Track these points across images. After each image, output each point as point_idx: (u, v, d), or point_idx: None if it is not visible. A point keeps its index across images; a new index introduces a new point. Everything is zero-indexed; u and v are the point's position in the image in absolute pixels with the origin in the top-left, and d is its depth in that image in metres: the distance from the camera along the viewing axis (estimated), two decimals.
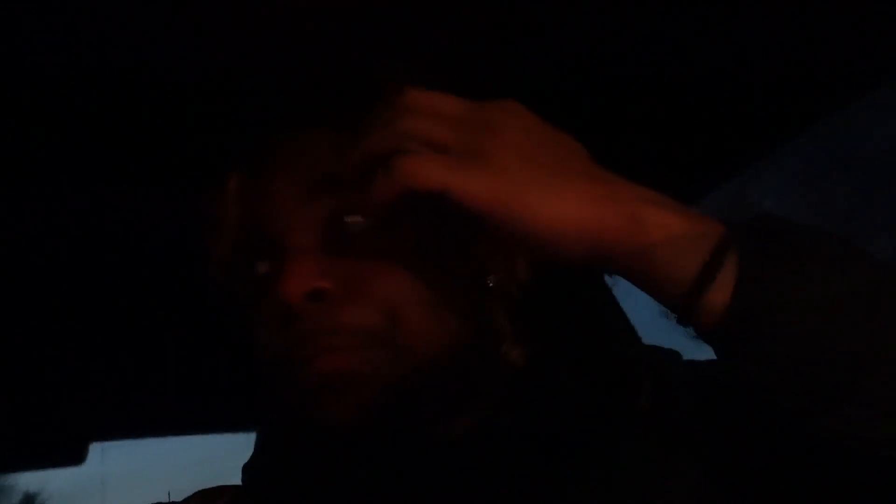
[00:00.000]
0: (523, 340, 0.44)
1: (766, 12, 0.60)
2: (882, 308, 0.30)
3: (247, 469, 0.48)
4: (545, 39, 0.61)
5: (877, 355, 0.29)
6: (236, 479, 0.49)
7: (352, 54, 0.56)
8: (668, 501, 0.40)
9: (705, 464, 0.40)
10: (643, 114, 0.72)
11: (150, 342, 1.06)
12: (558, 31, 0.59)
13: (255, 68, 0.56)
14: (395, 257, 0.41)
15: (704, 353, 0.39)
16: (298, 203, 0.42)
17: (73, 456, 1.15)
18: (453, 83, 0.46)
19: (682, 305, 0.32)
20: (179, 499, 0.48)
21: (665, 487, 0.40)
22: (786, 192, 2.84)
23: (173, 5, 0.49)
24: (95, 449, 1.16)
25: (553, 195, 0.33)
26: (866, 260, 0.33)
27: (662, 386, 0.42)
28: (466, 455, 0.41)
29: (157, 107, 0.59)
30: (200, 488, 0.49)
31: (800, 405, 0.30)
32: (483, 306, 0.44)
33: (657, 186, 0.34)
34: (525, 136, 0.35)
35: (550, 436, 0.41)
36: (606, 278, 0.48)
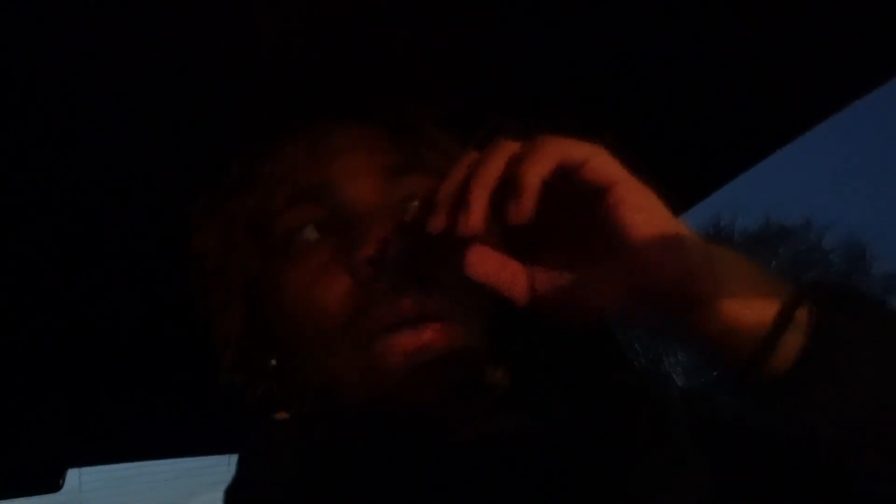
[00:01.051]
0: (504, 361, 0.48)
1: (761, 20, 0.61)
2: None
3: (229, 492, 0.48)
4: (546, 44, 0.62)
5: None
6: (212, 495, 0.50)
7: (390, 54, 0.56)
8: None
9: (706, 490, 0.40)
10: (638, 119, 0.73)
11: (126, 367, 1.06)
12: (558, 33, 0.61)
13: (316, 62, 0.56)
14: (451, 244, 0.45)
15: None
16: (380, 181, 0.47)
17: (50, 483, 1.14)
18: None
19: (752, 353, 0.33)
20: None
21: None
22: None
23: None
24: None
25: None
26: None
27: (661, 414, 0.44)
28: (472, 463, 0.43)
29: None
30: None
31: (849, 456, 0.32)
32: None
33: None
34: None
35: (547, 466, 0.42)
36: None
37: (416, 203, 0.46)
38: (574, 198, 0.34)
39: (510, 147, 0.35)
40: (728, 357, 0.33)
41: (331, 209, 0.46)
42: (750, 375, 0.33)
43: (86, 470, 1.20)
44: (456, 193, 0.35)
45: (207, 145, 0.57)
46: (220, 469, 1.18)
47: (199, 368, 1.11)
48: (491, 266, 0.36)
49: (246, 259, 0.49)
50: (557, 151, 0.33)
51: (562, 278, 0.36)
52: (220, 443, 1.20)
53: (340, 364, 0.43)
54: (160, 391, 1.12)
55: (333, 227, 0.46)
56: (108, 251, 0.82)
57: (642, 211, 0.33)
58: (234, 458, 0.51)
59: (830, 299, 0.33)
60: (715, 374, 0.36)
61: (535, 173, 0.33)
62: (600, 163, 0.33)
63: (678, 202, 0.39)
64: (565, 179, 0.33)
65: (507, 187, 0.33)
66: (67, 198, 0.71)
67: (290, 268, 0.46)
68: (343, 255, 0.44)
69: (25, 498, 1.14)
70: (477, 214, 0.34)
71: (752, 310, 0.33)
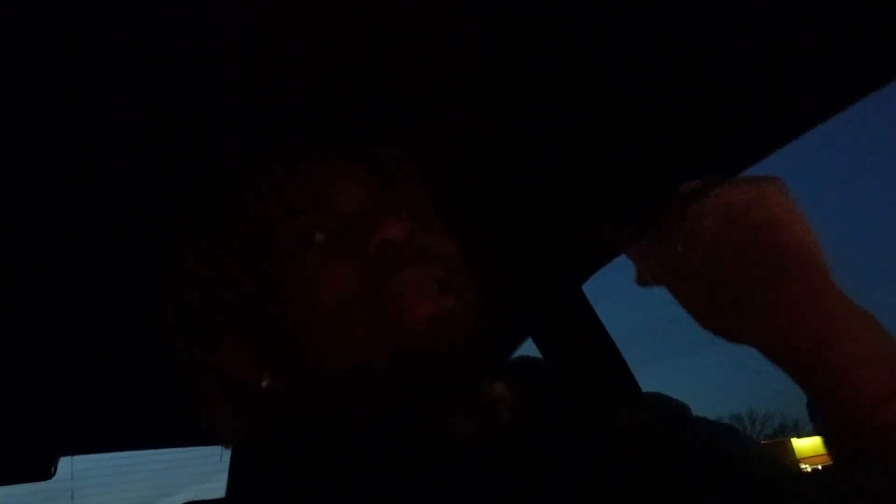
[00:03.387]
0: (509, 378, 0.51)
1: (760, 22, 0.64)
2: None
3: (237, 479, 0.50)
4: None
5: None
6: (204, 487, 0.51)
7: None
8: None
9: None
10: (633, 122, 0.76)
11: (120, 355, 1.06)
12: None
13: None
14: (443, 237, 0.52)
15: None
16: (369, 192, 0.53)
17: (42, 471, 1.15)
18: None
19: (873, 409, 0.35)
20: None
21: None
22: None
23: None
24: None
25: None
26: None
27: (672, 446, 0.47)
28: (466, 460, 0.45)
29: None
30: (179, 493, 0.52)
31: None
32: None
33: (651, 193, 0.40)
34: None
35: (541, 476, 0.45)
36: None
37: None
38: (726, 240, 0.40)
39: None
40: (837, 407, 0.36)
41: (329, 216, 0.51)
42: (856, 426, 0.36)
43: (78, 458, 1.21)
44: None
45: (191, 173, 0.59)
46: (213, 459, 1.19)
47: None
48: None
49: (239, 276, 0.51)
50: (738, 198, 0.40)
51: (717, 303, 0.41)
52: (213, 433, 1.20)
53: (365, 333, 0.46)
54: (154, 380, 1.12)
55: (334, 229, 0.50)
56: (103, 240, 0.82)
57: (801, 257, 0.38)
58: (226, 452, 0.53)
59: None
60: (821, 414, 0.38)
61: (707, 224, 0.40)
62: (768, 204, 0.39)
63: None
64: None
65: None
66: (62, 187, 0.70)
67: (299, 265, 0.49)
68: (353, 245, 0.48)
69: (17, 485, 1.14)
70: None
71: (870, 370, 0.36)
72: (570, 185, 0.89)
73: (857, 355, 0.36)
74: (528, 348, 1.20)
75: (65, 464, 1.17)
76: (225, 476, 0.52)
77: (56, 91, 0.55)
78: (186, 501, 0.51)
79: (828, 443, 0.38)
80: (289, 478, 0.46)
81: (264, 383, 0.50)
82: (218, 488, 0.53)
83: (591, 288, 1.11)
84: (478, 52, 0.64)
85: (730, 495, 0.44)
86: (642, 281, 0.45)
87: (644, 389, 1.12)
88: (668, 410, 0.52)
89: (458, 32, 0.61)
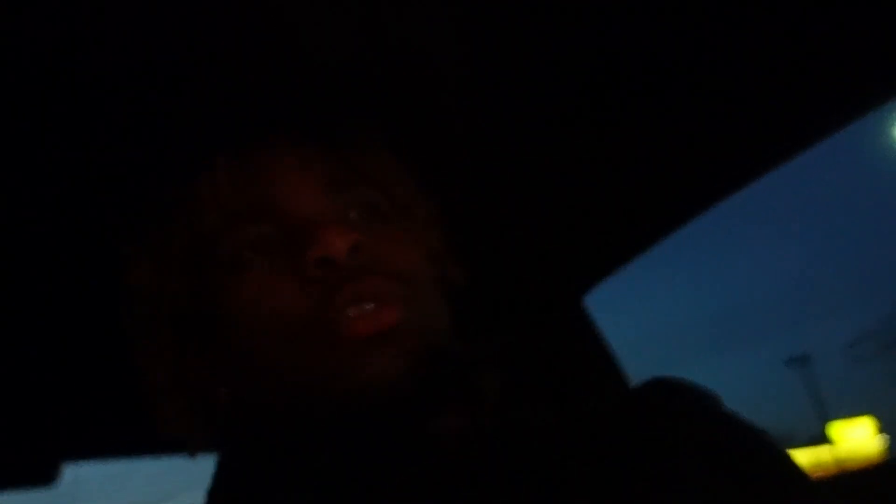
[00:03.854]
0: (494, 368, 0.49)
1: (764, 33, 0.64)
2: None
3: (212, 493, 0.49)
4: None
5: None
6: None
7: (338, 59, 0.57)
8: None
9: None
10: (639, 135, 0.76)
11: (122, 362, 1.07)
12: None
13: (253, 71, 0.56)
14: (396, 244, 0.49)
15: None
16: (319, 194, 0.49)
17: (45, 477, 1.15)
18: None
19: None
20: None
21: None
22: None
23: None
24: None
25: None
26: None
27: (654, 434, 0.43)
28: (456, 456, 0.44)
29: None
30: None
31: None
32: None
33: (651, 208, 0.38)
34: None
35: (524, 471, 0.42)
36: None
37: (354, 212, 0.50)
38: None
39: None
40: None
41: (273, 224, 0.48)
42: None
43: (81, 465, 1.21)
44: None
45: (131, 175, 0.58)
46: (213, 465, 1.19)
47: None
48: None
49: (179, 290, 0.50)
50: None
51: None
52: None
53: (308, 357, 0.44)
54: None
55: (276, 241, 0.47)
56: (102, 245, 0.82)
57: None
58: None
59: None
60: None
61: None
62: None
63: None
64: None
65: None
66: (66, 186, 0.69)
67: (237, 285, 0.47)
68: (291, 262, 0.45)
69: (20, 492, 1.14)
70: None
71: None
72: (574, 196, 0.90)
73: None
74: None
75: (68, 471, 1.17)
76: None
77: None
78: None
79: None
80: (257, 488, 0.45)
81: (220, 397, 0.49)
82: None
83: (591, 300, 1.11)
84: (481, 47, 0.62)
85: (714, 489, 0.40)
86: None
87: None
88: (676, 397, 0.46)
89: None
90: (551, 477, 0.41)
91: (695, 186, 0.87)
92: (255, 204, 0.48)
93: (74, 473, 1.18)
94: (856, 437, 20.77)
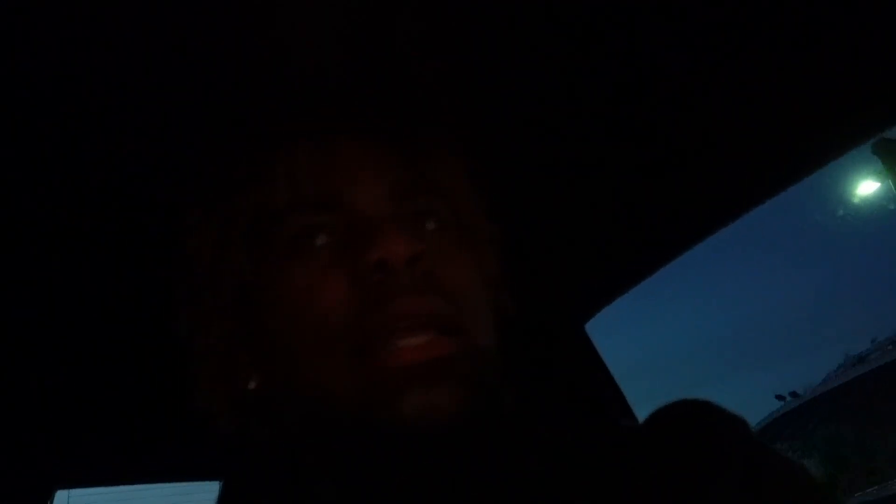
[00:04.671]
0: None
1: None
2: None
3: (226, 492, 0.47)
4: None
5: None
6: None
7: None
8: None
9: None
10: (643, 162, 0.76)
11: (116, 388, 1.06)
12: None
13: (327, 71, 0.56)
14: (457, 262, 0.46)
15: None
16: (388, 196, 0.47)
17: (38, 502, 1.14)
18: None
19: None
20: None
21: None
22: None
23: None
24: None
25: None
26: None
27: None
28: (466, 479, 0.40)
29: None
30: None
31: None
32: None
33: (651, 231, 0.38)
34: None
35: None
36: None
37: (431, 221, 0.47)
38: None
39: None
40: None
41: (337, 217, 0.46)
42: None
43: (74, 491, 1.19)
44: None
45: (206, 143, 0.57)
46: (209, 490, 1.17)
47: (189, 393, 1.12)
48: None
49: (241, 262, 0.48)
50: None
51: None
52: (209, 468, 1.19)
53: (336, 368, 0.41)
54: (150, 414, 1.11)
55: (339, 234, 0.45)
56: (102, 270, 0.82)
57: None
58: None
59: None
60: None
61: None
62: None
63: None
64: None
65: None
66: (60, 217, 0.70)
67: (292, 270, 0.45)
68: (349, 259, 0.43)
69: None
70: None
71: None
72: (575, 227, 0.90)
73: None
74: None
75: (61, 496, 1.16)
76: None
77: (69, 64, 0.53)
78: None
79: None
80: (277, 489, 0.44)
81: (251, 386, 0.47)
82: None
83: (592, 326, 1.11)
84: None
85: None
86: None
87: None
88: (695, 420, 0.44)
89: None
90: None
91: (698, 210, 0.87)
92: (325, 193, 0.46)
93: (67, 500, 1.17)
94: None
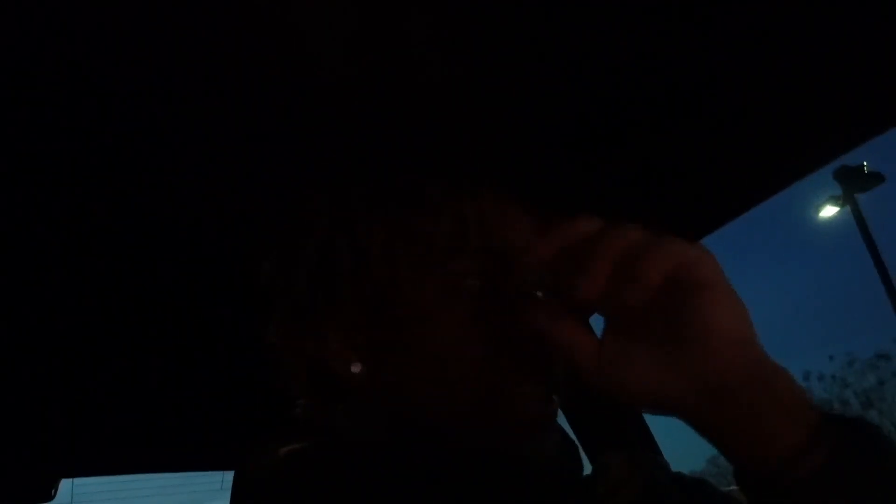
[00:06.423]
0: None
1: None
2: None
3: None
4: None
5: None
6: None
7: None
8: None
9: None
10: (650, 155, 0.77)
11: (122, 380, 1.08)
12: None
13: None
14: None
15: None
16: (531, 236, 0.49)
17: (42, 493, 1.14)
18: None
19: (780, 462, 0.35)
20: None
21: None
22: None
23: None
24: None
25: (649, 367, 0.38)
26: None
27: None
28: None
29: None
30: None
31: None
32: None
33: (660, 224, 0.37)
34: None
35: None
36: None
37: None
38: (666, 288, 0.37)
39: (633, 232, 0.38)
40: (756, 460, 0.36)
41: (491, 265, 0.49)
42: (774, 480, 0.35)
43: (78, 481, 1.21)
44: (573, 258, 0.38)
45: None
46: (213, 481, 1.19)
47: (195, 384, 1.13)
48: (566, 328, 0.40)
49: (392, 270, 0.49)
50: (679, 252, 0.37)
51: (631, 357, 0.38)
52: (214, 459, 1.21)
53: (458, 394, 0.46)
54: (155, 405, 1.14)
55: (489, 281, 0.48)
56: (116, 258, 0.84)
57: (728, 316, 0.36)
58: (227, 474, 0.52)
59: (850, 428, 0.36)
60: (736, 470, 0.39)
61: (658, 269, 0.36)
62: (706, 264, 0.37)
63: None
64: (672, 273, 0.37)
65: (624, 270, 0.37)
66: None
67: (442, 311, 0.47)
68: (496, 310, 0.46)
69: None
70: (595, 283, 0.37)
71: (790, 424, 0.36)
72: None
73: (777, 409, 0.36)
74: None
75: (65, 485, 1.17)
76: (226, 497, 0.50)
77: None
78: None
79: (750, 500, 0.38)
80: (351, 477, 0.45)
81: (354, 369, 0.48)
82: None
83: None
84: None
85: None
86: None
87: None
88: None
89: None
90: None
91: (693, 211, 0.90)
92: (483, 247, 0.49)
93: (72, 491, 1.18)
94: None
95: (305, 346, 0.49)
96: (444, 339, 0.46)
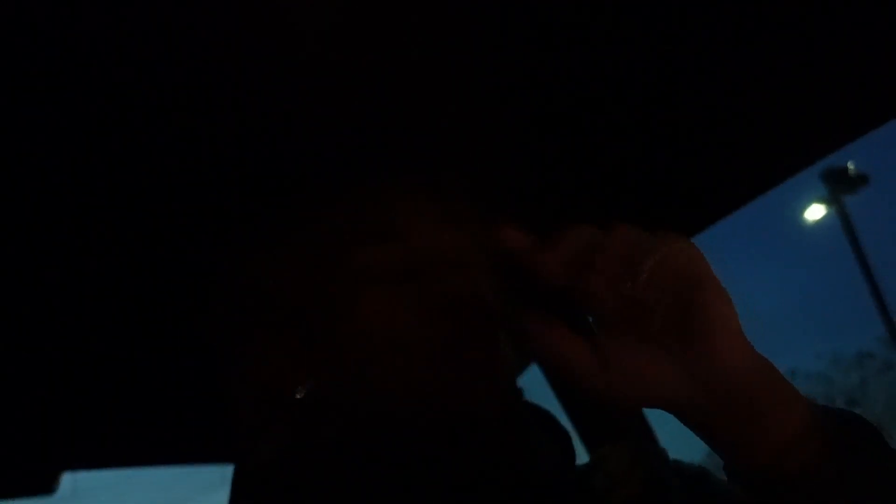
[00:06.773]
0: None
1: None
2: None
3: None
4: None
5: None
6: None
7: None
8: None
9: None
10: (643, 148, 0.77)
11: (124, 372, 1.07)
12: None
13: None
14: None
15: None
16: (439, 236, 0.51)
17: (44, 486, 1.15)
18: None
19: (774, 459, 0.35)
20: None
21: None
22: None
23: None
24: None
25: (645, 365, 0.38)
26: None
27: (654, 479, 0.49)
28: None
29: None
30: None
31: None
32: None
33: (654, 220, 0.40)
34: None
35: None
36: None
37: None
38: (663, 287, 0.37)
39: (633, 230, 0.39)
40: (751, 453, 0.37)
41: (408, 251, 0.49)
42: (769, 476, 0.36)
43: (80, 474, 1.21)
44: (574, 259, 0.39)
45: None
46: (216, 473, 1.20)
47: (196, 376, 1.14)
48: (557, 336, 0.41)
49: (301, 293, 0.50)
50: (679, 247, 0.38)
51: (631, 356, 0.39)
52: (217, 452, 1.22)
53: (408, 380, 0.46)
54: (158, 397, 1.13)
55: (409, 268, 0.49)
56: (110, 252, 0.83)
57: (727, 309, 0.37)
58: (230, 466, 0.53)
59: (840, 419, 0.37)
60: (727, 464, 0.39)
61: (665, 265, 0.37)
62: (700, 262, 0.38)
63: None
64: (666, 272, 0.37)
65: (624, 268, 0.37)
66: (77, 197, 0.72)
67: (362, 301, 0.47)
68: (416, 293, 0.47)
69: (19, 500, 1.14)
70: (600, 281, 0.38)
71: (785, 415, 0.36)
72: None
73: (772, 401, 0.36)
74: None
75: (67, 478, 1.17)
76: (226, 490, 0.52)
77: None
78: None
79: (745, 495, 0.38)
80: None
81: (298, 395, 0.48)
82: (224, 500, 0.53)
83: None
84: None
85: None
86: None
87: None
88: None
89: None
90: None
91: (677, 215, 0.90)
92: (389, 231, 0.50)
93: (74, 483, 1.18)
94: None
95: (249, 374, 0.50)
96: (374, 332, 0.47)
